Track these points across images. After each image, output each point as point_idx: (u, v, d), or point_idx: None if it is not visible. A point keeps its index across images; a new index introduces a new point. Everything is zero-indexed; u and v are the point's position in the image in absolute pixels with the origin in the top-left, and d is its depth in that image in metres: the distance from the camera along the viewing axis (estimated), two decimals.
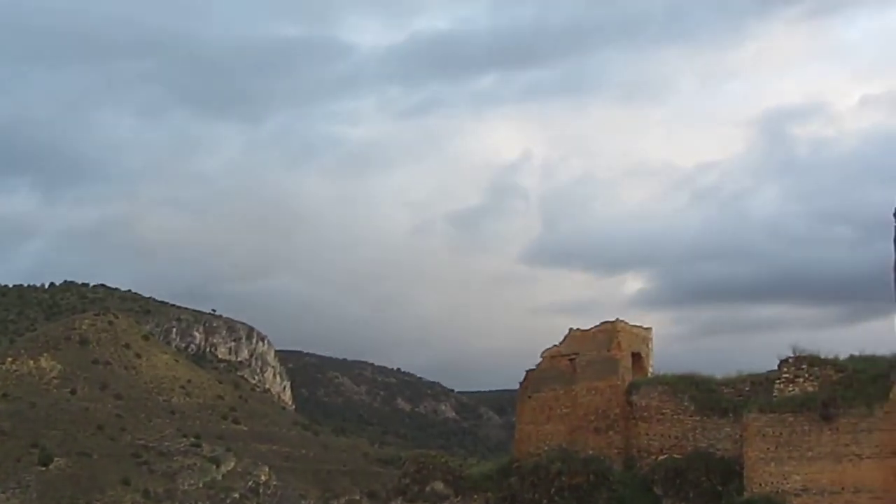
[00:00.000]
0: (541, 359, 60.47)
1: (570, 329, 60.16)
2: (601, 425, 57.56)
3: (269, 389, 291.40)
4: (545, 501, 55.72)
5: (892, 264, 50.69)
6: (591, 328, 59.52)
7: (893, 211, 51.00)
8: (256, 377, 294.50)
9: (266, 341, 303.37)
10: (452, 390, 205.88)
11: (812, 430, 50.37)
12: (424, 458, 61.98)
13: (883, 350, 53.47)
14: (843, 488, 49.34)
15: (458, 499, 57.78)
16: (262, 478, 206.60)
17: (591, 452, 56.81)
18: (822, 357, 54.29)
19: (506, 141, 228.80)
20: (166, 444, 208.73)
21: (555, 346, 60.24)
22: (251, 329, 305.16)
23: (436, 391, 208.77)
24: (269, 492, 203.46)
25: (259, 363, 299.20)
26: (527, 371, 60.79)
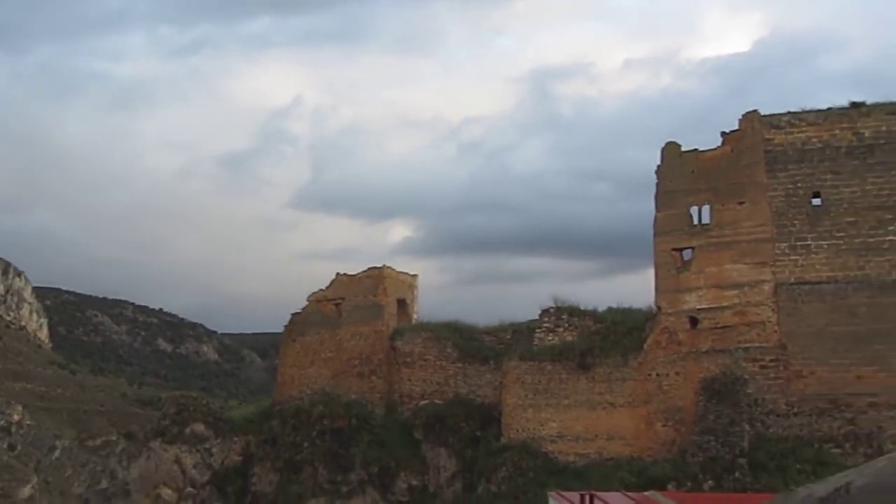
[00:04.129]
0: (307, 303, 60.27)
1: (337, 274, 60.11)
2: (364, 370, 57.85)
3: (24, 327, 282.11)
4: (306, 444, 55.72)
5: (651, 221, 52.31)
6: (358, 273, 59.63)
7: (655, 170, 52.54)
8: (12, 314, 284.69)
9: (23, 277, 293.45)
10: (215, 332, 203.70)
11: (569, 379, 51.82)
12: (185, 399, 61.14)
13: (639, 303, 55.46)
14: (596, 435, 51.00)
15: (219, 440, 57.26)
16: (15, 417, 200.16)
17: (353, 396, 57.06)
18: (582, 308, 55.92)
19: (277, 86, 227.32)
20: None
21: (321, 290, 60.11)
22: (7, 264, 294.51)
23: (198, 332, 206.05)
24: (21, 431, 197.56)
25: (15, 299, 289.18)
26: (292, 314, 60.53)
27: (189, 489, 56.06)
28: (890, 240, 48.37)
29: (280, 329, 62.26)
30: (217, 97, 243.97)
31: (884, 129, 49.32)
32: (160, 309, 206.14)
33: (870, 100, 50.73)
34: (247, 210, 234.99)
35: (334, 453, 55.22)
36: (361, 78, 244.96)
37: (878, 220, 48.62)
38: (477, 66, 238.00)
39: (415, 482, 54.32)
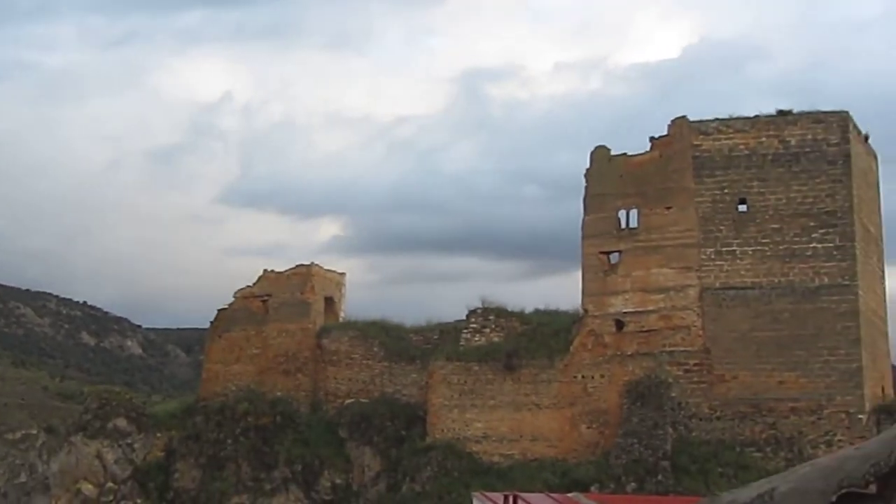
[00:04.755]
0: (234, 299, 59.88)
1: (265, 270, 59.79)
2: (290, 367, 57.56)
3: None
4: (230, 441, 55.36)
5: (579, 224, 52.59)
6: (286, 271, 59.33)
7: (584, 173, 52.83)
8: None
9: None
10: (140, 326, 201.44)
11: (495, 380, 51.96)
12: (108, 393, 60.44)
13: (565, 305, 55.70)
14: (521, 436, 51.20)
15: (141, 436, 56.67)
16: None
17: (278, 394, 56.76)
18: (509, 309, 56.06)
19: (208, 80, 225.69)
20: None
21: (248, 286, 59.75)
22: None
23: (122, 326, 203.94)
24: None
25: None
26: (218, 310, 60.07)
27: (110, 484, 55.41)
28: (813, 247, 49.02)
29: (206, 325, 61.78)
30: (147, 90, 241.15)
31: (809, 137, 49.98)
32: (84, 302, 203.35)
33: (796, 108, 51.44)
34: (174, 204, 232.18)
35: (258, 450, 54.91)
36: (293, 74, 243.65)
37: (802, 227, 49.27)
38: (409, 65, 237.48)
39: (338, 481, 54.15)
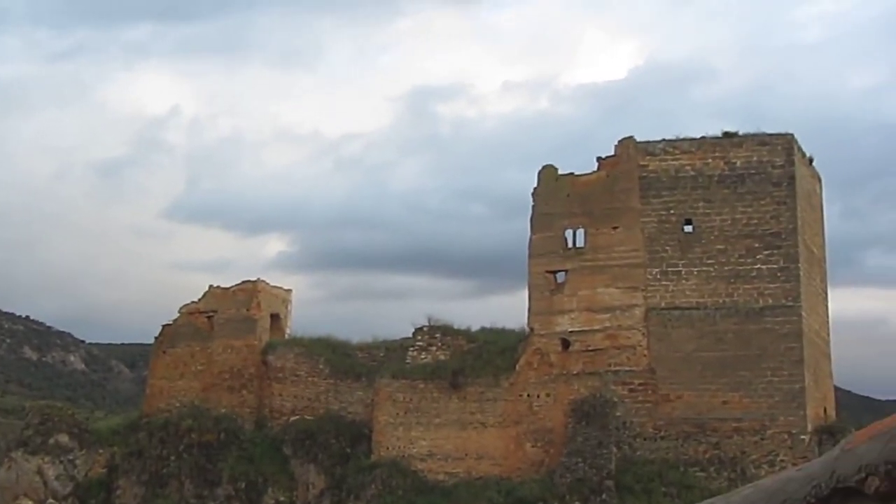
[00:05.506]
0: (179, 314, 59.49)
1: (210, 286, 59.47)
2: (235, 384, 57.25)
3: None
4: (173, 458, 54.94)
5: (526, 243, 52.70)
6: (232, 287, 59.04)
7: (532, 192, 52.97)
8: None
9: None
10: (83, 341, 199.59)
11: (441, 398, 51.91)
12: (49, 409, 59.84)
13: (512, 324, 55.81)
14: (466, 454, 51.16)
15: (83, 452, 56.12)
16: None
17: (223, 410, 56.42)
18: (455, 327, 56.10)
19: (155, 94, 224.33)
20: None
21: (193, 302, 59.40)
22: None
23: (65, 341, 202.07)
24: None
25: None
26: (163, 326, 59.68)
27: (51, 501, 54.83)
28: (758, 268, 49.42)
29: (150, 340, 61.34)
30: (94, 103, 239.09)
31: (755, 159, 50.42)
32: (27, 316, 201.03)
33: (741, 130, 51.88)
34: (120, 218, 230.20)
35: (201, 467, 54.52)
36: (242, 90, 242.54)
37: (747, 248, 49.65)
38: (359, 82, 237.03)
39: (282, 498, 53.84)
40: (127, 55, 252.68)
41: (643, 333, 50.13)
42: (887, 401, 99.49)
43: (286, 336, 60.28)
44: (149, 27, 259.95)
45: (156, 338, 60.08)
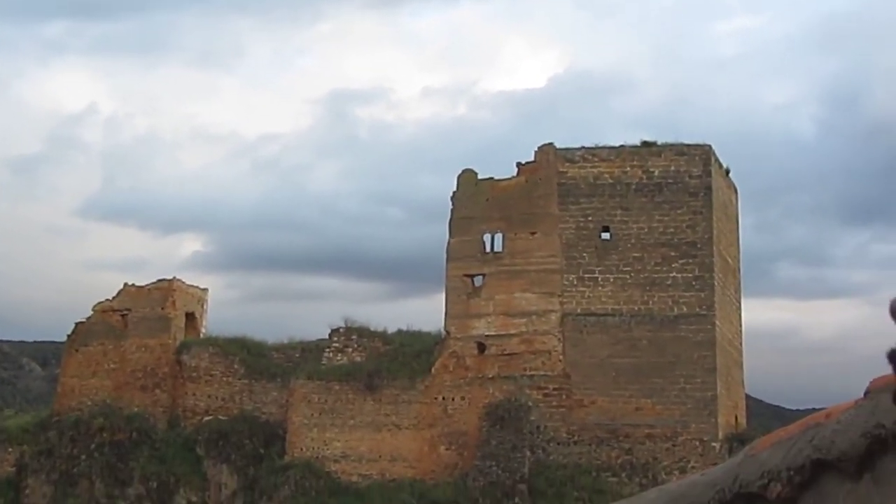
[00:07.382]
0: (92, 312, 58.80)
1: (125, 284, 58.87)
2: (148, 383, 56.68)
3: None
4: (84, 457, 54.29)
5: (444, 247, 52.82)
6: (147, 285, 58.46)
7: (451, 196, 53.11)
8: None
9: None
10: None
11: (356, 399, 51.85)
12: None
13: (428, 327, 55.91)
14: (380, 456, 51.13)
15: None
16: None
17: (136, 410, 55.85)
18: (371, 329, 56.10)
19: (71, 92, 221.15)
20: None
21: (107, 300, 58.74)
22: None
23: None
24: None
25: None
26: (76, 324, 58.93)
27: None
28: (673, 276, 49.96)
29: (63, 338, 60.56)
30: (8, 100, 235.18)
31: (672, 168, 50.98)
32: None
33: (660, 140, 52.41)
34: (32, 216, 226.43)
35: (112, 467, 53.93)
36: (159, 89, 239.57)
37: (663, 256, 50.17)
38: (277, 84, 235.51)
39: (194, 499, 53.43)
40: (43, 52, 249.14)
41: (559, 339, 50.44)
42: (797, 410, 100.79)
43: (201, 335, 59.82)
44: (65, 24, 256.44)
45: (68, 335, 59.31)
